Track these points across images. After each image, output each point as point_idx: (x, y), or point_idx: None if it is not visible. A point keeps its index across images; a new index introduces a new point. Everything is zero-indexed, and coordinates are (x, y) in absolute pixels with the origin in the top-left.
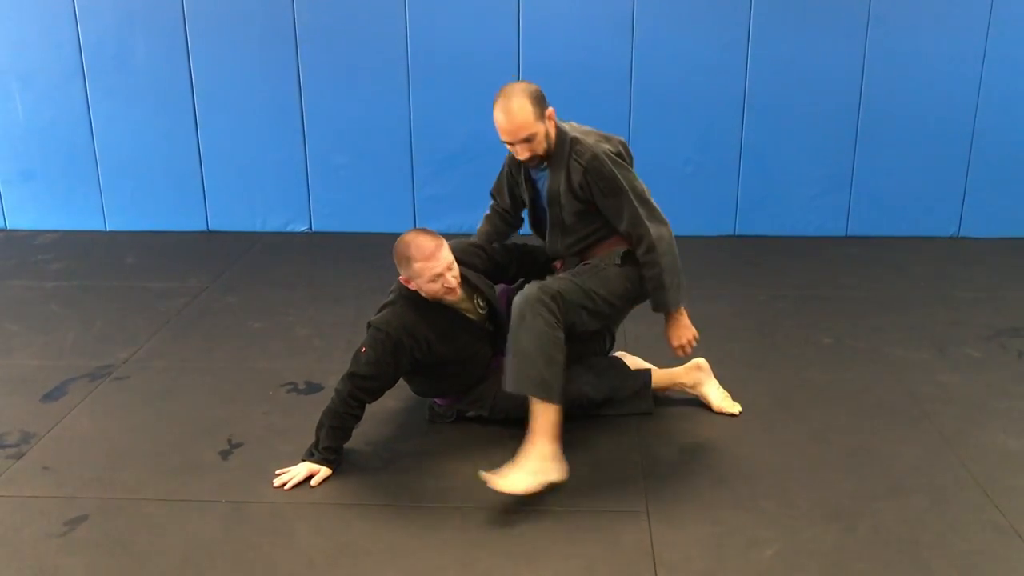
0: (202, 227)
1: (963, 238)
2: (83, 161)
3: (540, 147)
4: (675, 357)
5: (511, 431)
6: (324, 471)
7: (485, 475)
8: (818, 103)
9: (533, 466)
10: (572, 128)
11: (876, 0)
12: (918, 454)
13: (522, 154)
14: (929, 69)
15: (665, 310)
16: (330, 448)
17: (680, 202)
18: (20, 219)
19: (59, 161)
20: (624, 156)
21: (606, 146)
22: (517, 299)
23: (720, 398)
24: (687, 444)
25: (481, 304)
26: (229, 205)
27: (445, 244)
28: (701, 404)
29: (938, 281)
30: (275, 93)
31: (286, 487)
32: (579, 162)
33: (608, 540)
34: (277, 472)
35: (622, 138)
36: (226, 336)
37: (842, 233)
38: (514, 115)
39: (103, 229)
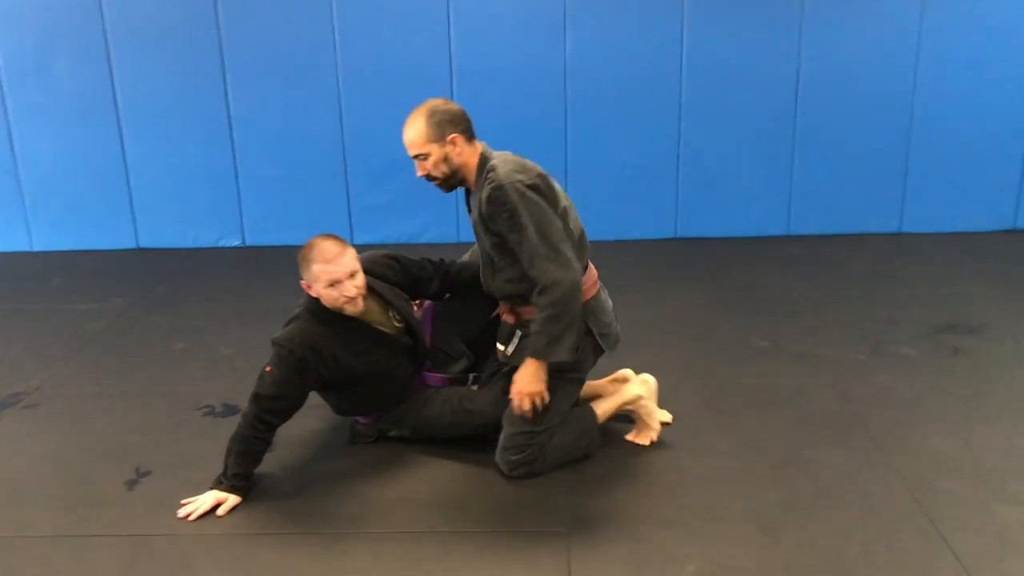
0: (132, 245)
1: (906, 234)
2: (5, 181)
3: (436, 170)
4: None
5: (433, 451)
6: (232, 499)
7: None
8: (755, 102)
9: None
10: (496, 156)
11: None
12: (849, 460)
13: (418, 171)
14: (864, 66)
15: (526, 355)
16: (239, 475)
17: (620, 206)
18: None
19: None
20: (542, 189)
21: (520, 176)
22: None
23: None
24: (613, 458)
25: (397, 317)
26: (159, 221)
27: (351, 251)
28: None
29: (877, 279)
30: (201, 105)
31: (191, 518)
32: (487, 190)
33: (527, 562)
34: (183, 502)
35: (544, 171)
36: (146, 358)
37: (784, 232)
38: (406, 130)
39: (29, 250)
